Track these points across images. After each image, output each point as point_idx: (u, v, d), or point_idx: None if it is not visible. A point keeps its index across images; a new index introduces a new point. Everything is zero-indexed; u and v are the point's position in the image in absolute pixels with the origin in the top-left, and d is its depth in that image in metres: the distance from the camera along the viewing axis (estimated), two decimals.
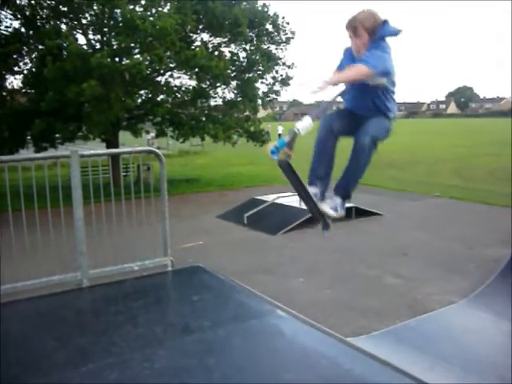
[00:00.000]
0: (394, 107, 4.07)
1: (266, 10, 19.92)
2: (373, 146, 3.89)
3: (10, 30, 18.11)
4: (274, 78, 20.83)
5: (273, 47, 20.74)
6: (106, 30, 18.30)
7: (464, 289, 7.87)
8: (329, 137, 3.98)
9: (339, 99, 4.10)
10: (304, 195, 4.03)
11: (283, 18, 20.24)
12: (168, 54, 17.56)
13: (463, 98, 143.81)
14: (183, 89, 20.16)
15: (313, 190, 4.01)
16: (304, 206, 12.73)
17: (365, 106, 3.95)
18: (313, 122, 3.74)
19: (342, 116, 4.09)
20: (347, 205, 13.70)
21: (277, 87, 21.00)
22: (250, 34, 19.85)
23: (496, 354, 5.66)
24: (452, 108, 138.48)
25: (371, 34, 3.79)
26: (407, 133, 54.14)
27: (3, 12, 18.06)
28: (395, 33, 3.87)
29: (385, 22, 3.82)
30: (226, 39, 19.85)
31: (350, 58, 3.99)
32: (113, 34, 17.90)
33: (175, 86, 20.15)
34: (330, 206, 4.06)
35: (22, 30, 18.32)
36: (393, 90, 4.00)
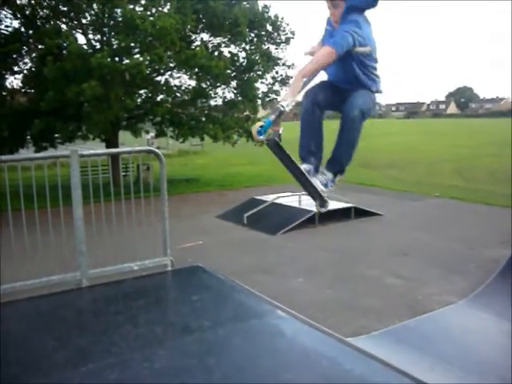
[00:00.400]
0: (377, 82, 4.02)
1: (266, 10, 19.93)
2: (361, 119, 3.87)
3: (9, 29, 18.11)
4: (273, 78, 20.85)
5: (272, 47, 20.76)
6: (105, 29, 18.29)
7: (464, 289, 7.87)
8: (314, 109, 3.95)
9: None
10: (296, 173, 3.95)
11: (282, 18, 20.25)
12: (168, 53, 17.56)
13: (463, 98, 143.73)
14: (183, 88, 20.17)
15: (305, 167, 3.96)
16: (304, 206, 12.70)
17: (346, 79, 3.92)
18: (295, 98, 3.71)
19: (324, 88, 4.05)
20: (347, 205, 13.65)
21: (276, 87, 21.01)
22: (251, 34, 19.85)
23: (496, 355, 5.66)
24: (452, 108, 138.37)
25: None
26: (407, 133, 54.19)
27: (3, 11, 18.04)
28: (369, 3, 3.81)
29: None
30: (225, 39, 19.85)
31: (328, 24, 4.00)
32: (113, 33, 17.89)
33: (175, 85, 20.16)
34: (321, 181, 3.99)
35: (22, 29, 18.31)
36: (374, 66, 3.94)
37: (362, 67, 3.85)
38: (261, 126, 3.61)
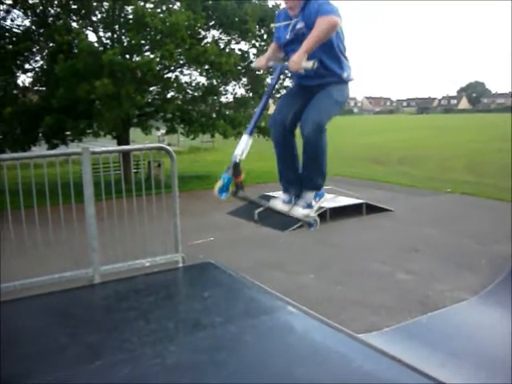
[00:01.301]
0: (347, 66, 3.70)
1: (277, 9, 19.91)
2: (318, 133, 3.56)
3: (21, 28, 18.23)
4: (284, 74, 20.83)
5: None
6: (116, 27, 18.36)
7: (475, 285, 7.84)
8: (285, 135, 3.74)
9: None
10: (273, 210, 3.89)
11: None
12: (179, 50, 17.59)
13: (475, 93, 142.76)
14: (193, 85, 20.20)
15: (285, 198, 3.86)
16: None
17: (315, 72, 3.49)
18: (250, 138, 3.52)
19: (292, 103, 3.78)
20: (358, 201, 13.56)
21: (287, 83, 20.99)
22: (260, 31, 19.85)
23: (507, 352, 5.63)
24: (463, 103, 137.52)
25: None
26: (418, 128, 53.93)
27: (15, 11, 18.17)
28: None
29: None
30: (236, 36, 19.85)
31: (285, 18, 3.70)
32: (123, 31, 17.96)
33: (185, 82, 20.20)
34: (303, 206, 3.83)
35: (33, 27, 18.42)
36: (343, 45, 3.65)
37: (327, 49, 3.51)
38: (223, 185, 3.43)
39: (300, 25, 3.53)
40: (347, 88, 3.78)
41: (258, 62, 3.97)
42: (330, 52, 3.53)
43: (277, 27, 3.86)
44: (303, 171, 3.81)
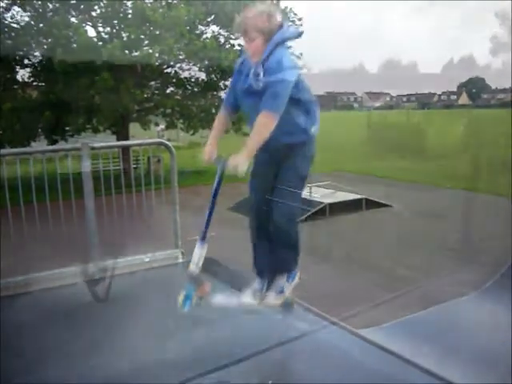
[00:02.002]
0: (315, 118, 3.48)
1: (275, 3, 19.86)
2: (292, 223, 3.47)
3: (19, 23, 18.15)
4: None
5: None
6: (115, 22, 18.30)
7: (476, 280, 7.83)
8: (261, 225, 3.62)
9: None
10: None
11: (291, 9, 20.19)
12: (178, 46, 17.56)
13: (475, 88, 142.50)
14: (193, 80, 20.16)
15: (257, 285, 3.74)
16: (314, 198, 12.61)
17: (285, 129, 3.25)
18: (205, 244, 3.45)
19: (264, 187, 3.61)
20: (357, 197, 13.57)
21: None
22: None
23: (508, 348, 5.63)
24: (463, 99, 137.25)
25: (267, 36, 3.25)
26: (419, 123, 53.85)
27: (14, 7, 18.10)
28: (296, 35, 3.44)
29: (282, 25, 3.31)
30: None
31: (246, 66, 3.47)
32: (122, 26, 17.90)
33: (185, 77, 20.16)
34: (275, 291, 3.66)
35: (32, 22, 18.34)
36: (310, 95, 3.43)
37: (294, 102, 3.25)
38: (185, 296, 3.35)
39: (262, 82, 3.26)
40: (314, 144, 3.55)
41: (206, 155, 3.82)
42: (298, 105, 3.32)
43: (233, 77, 3.71)
44: (276, 257, 3.67)
